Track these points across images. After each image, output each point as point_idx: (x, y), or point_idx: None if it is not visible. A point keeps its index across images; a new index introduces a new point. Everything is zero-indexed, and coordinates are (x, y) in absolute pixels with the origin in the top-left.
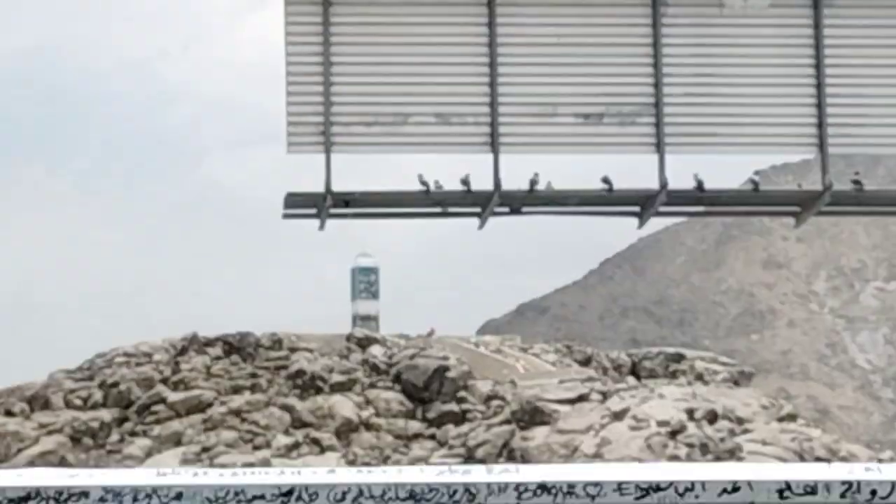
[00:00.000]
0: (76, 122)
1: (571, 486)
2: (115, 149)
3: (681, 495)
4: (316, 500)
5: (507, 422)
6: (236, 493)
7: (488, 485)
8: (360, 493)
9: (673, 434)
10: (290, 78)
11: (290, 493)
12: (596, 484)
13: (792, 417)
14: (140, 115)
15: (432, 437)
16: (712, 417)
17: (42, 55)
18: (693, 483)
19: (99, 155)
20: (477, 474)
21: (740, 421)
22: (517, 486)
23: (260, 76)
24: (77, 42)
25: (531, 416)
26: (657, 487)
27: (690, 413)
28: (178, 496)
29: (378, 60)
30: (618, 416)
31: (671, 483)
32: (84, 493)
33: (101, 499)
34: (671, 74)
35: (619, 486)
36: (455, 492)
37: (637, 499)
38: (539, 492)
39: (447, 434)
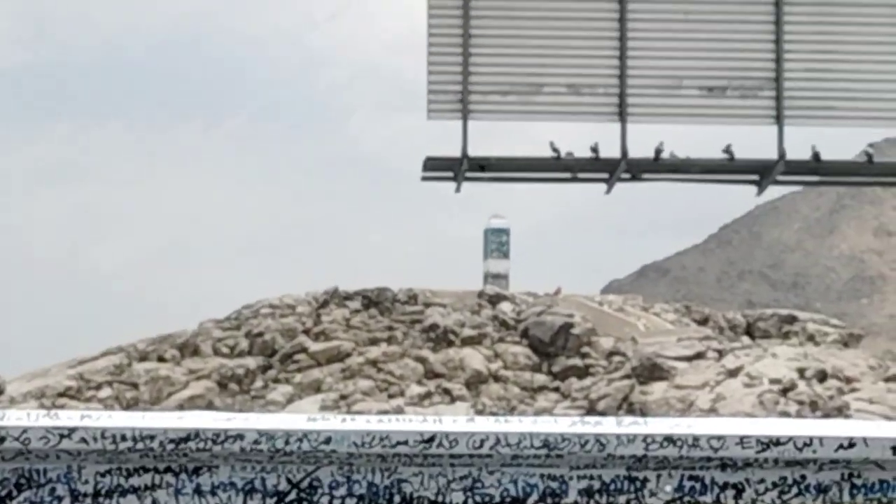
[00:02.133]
0: (232, 84)
1: (696, 438)
2: (266, 110)
3: (799, 450)
4: (456, 446)
5: (628, 377)
6: (381, 439)
7: (618, 436)
8: (498, 441)
9: (784, 391)
10: (432, 49)
11: (431, 439)
12: (719, 437)
13: None
14: (290, 80)
15: (556, 389)
16: (822, 376)
17: (202, 20)
18: (811, 438)
19: (252, 115)
20: (607, 426)
21: (848, 380)
22: (645, 437)
23: (402, 46)
24: (234, 9)
25: (650, 371)
26: (777, 442)
27: (801, 372)
28: (328, 440)
29: (514, 33)
30: (732, 373)
31: (790, 438)
32: (240, 436)
33: (256, 441)
34: (792, 51)
35: (741, 440)
36: (586, 442)
37: (758, 452)
38: (665, 443)
39: (570, 387)
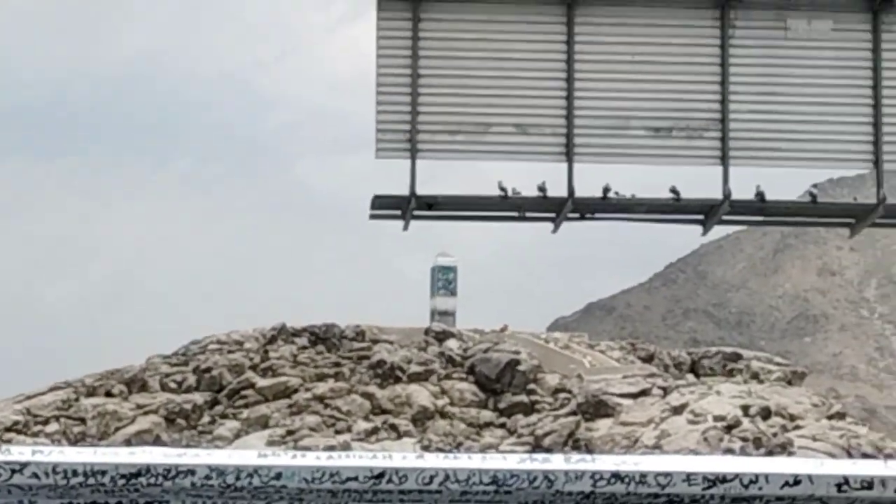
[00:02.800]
0: (181, 125)
1: (643, 475)
2: (214, 151)
3: (745, 487)
4: (405, 482)
5: (573, 413)
6: (331, 475)
7: (566, 472)
8: (447, 477)
9: (728, 428)
10: (380, 88)
11: (381, 475)
12: (666, 474)
13: (841, 416)
14: (238, 121)
15: (502, 425)
16: (766, 414)
17: (152, 61)
18: (757, 475)
19: (200, 156)
20: (556, 462)
21: (792, 418)
22: (593, 474)
23: (350, 87)
24: (183, 50)
25: (596, 408)
26: (723, 479)
27: (745, 409)
28: (278, 476)
29: (463, 73)
30: (677, 410)
31: (736, 475)
32: (191, 471)
33: (207, 476)
34: (737, 92)
35: (688, 477)
36: (535, 478)
37: (704, 489)
38: (613, 480)
39: (516, 423)
